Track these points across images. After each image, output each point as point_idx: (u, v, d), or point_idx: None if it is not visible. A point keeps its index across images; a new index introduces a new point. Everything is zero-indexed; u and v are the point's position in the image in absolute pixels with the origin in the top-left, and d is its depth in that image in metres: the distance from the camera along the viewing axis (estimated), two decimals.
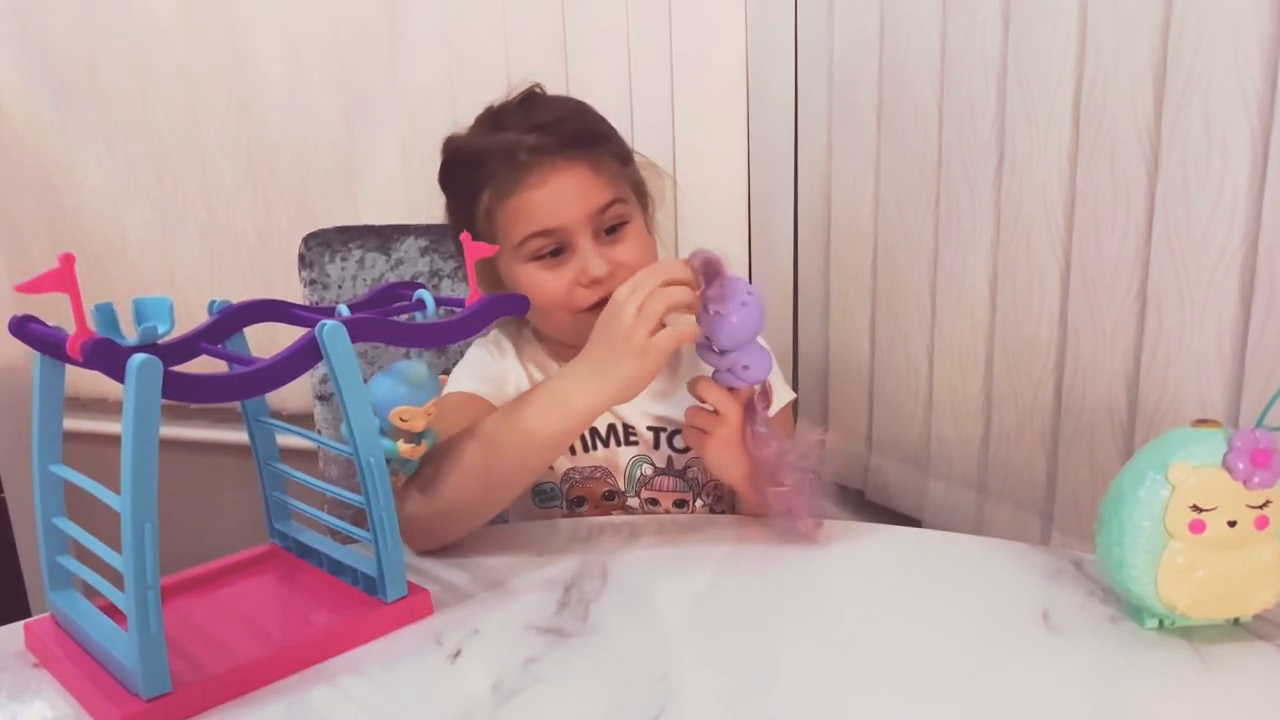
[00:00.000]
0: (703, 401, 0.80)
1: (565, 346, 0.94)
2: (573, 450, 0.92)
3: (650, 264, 0.82)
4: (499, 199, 0.88)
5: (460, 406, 0.89)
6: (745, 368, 0.76)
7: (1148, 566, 0.61)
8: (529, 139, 0.87)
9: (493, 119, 0.92)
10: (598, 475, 0.93)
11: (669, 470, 0.94)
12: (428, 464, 0.77)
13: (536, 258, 0.88)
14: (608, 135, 0.93)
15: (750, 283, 0.77)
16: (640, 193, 0.95)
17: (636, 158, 0.96)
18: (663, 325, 0.74)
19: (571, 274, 0.87)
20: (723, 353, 0.76)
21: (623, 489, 0.93)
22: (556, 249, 0.88)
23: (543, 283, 0.88)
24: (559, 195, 0.86)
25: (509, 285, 0.91)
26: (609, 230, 0.89)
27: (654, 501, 0.94)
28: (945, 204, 1.03)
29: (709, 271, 0.75)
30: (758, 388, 0.79)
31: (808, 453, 0.78)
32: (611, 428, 0.93)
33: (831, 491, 0.79)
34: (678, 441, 0.93)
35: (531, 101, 0.93)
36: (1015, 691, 0.59)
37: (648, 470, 0.93)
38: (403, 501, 0.78)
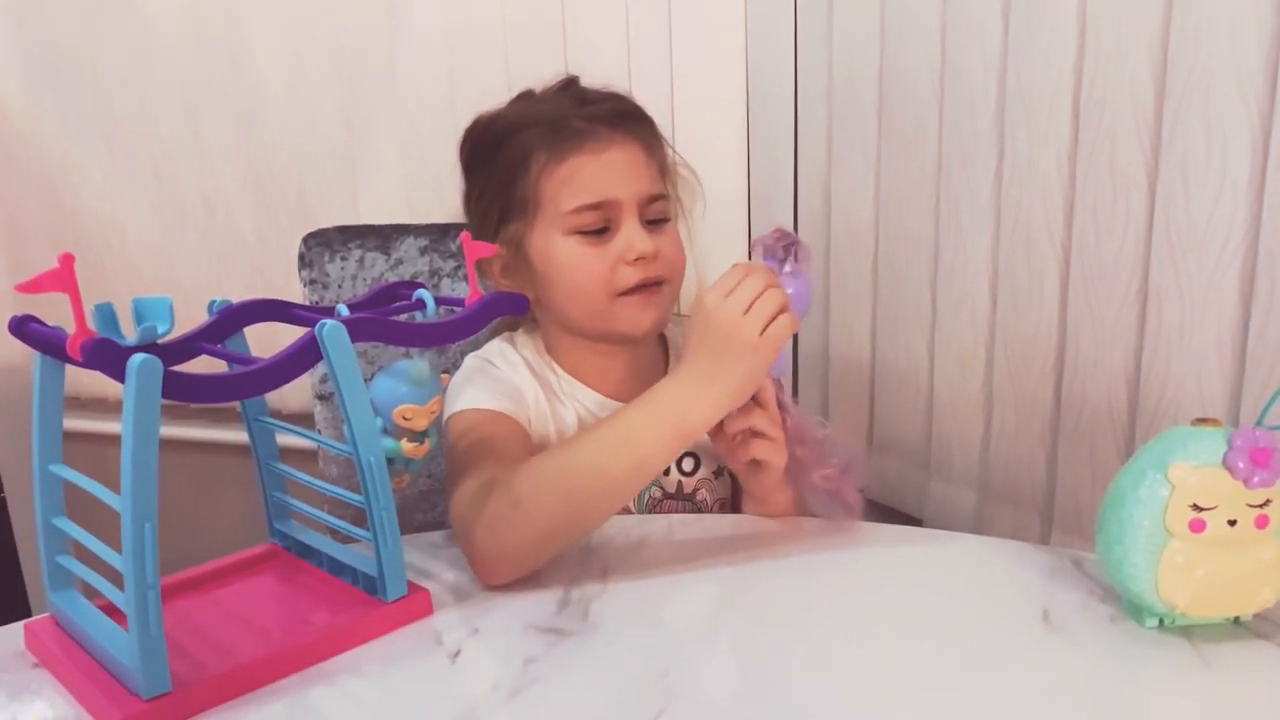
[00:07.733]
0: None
1: (572, 341, 0.90)
2: None
3: (684, 267, 0.83)
4: (550, 163, 0.84)
5: (498, 427, 0.83)
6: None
7: (1148, 565, 0.61)
8: (580, 109, 0.84)
9: (536, 97, 0.89)
10: None
11: (678, 495, 0.92)
12: (495, 494, 0.72)
13: (581, 232, 0.84)
14: (655, 125, 0.90)
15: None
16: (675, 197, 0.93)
17: (673, 160, 0.93)
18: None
19: (616, 252, 0.84)
20: None
21: (633, 510, 0.91)
22: (602, 227, 0.84)
23: (584, 259, 0.84)
24: (616, 167, 0.84)
25: (541, 258, 0.86)
26: (650, 224, 0.86)
27: None
28: (945, 202, 1.03)
29: (785, 242, 0.74)
30: (780, 381, 0.78)
31: (839, 440, 0.79)
32: None
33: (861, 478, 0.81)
34: (686, 465, 0.91)
35: (574, 84, 0.90)
36: (1015, 690, 0.59)
37: (656, 494, 0.91)
38: (473, 539, 0.72)
